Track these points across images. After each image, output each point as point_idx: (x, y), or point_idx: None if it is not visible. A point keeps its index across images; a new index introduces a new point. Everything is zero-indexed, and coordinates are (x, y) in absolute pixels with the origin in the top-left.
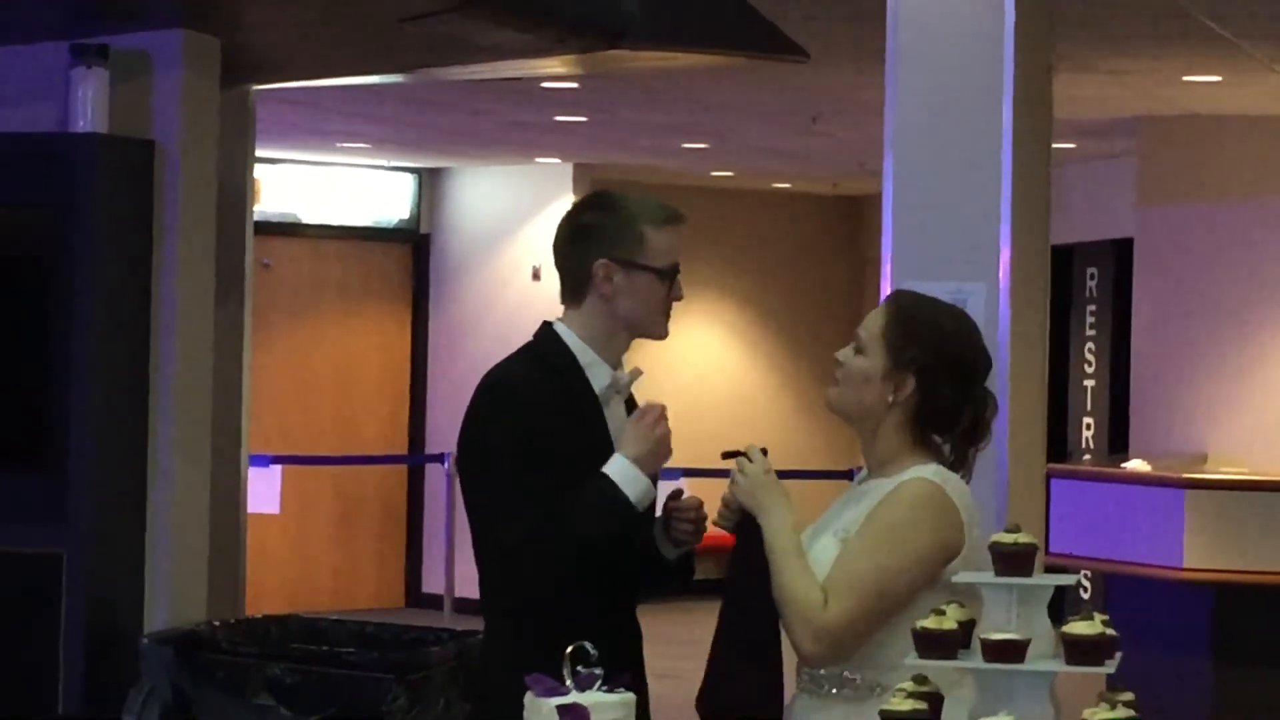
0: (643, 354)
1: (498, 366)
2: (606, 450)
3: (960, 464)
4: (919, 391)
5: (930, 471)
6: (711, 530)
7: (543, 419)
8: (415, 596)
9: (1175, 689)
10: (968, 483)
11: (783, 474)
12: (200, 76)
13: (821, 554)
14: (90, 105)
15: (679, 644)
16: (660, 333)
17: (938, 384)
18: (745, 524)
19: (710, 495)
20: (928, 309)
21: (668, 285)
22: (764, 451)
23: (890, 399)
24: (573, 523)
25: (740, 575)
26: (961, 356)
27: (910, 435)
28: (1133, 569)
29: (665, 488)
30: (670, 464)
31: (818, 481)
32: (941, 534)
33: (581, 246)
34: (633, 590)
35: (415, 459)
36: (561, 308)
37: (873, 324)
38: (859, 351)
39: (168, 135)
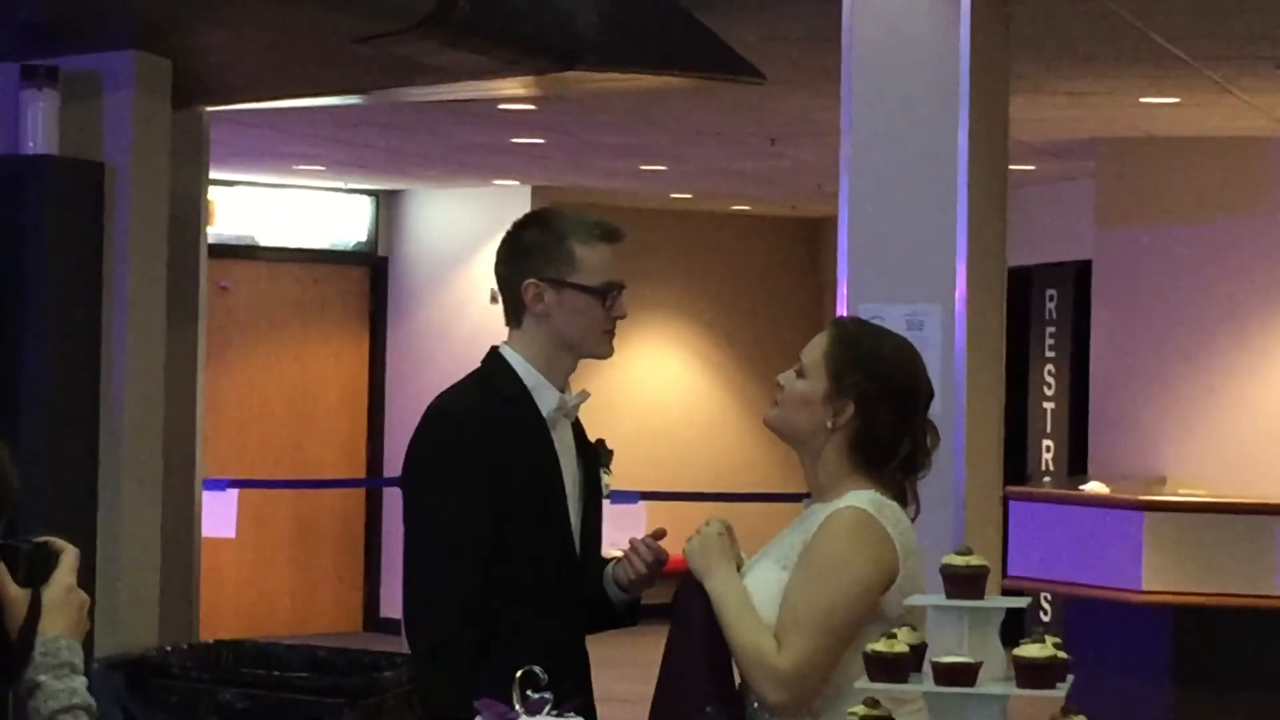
0: (602, 375)
1: (445, 393)
2: (555, 474)
3: (901, 493)
4: (859, 418)
5: (864, 500)
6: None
7: (489, 446)
8: (373, 621)
9: (1135, 712)
10: (917, 511)
11: (739, 497)
12: (151, 98)
13: (760, 579)
14: (40, 127)
15: (629, 666)
16: (601, 352)
17: (878, 411)
18: (687, 587)
19: (667, 518)
20: (871, 336)
21: (601, 303)
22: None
23: (830, 424)
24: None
25: (680, 641)
26: (903, 385)
27: (850, 461)
28: (1092, 591)
29: (623, 510)
30: (627, 486)
31: (775, 505)
32: (877, 561)
33: (513, 266)
34: (582, 618)
35: (373, 482)
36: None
37: (815, 348)
38: (801, 375)
39: (118, 157)
